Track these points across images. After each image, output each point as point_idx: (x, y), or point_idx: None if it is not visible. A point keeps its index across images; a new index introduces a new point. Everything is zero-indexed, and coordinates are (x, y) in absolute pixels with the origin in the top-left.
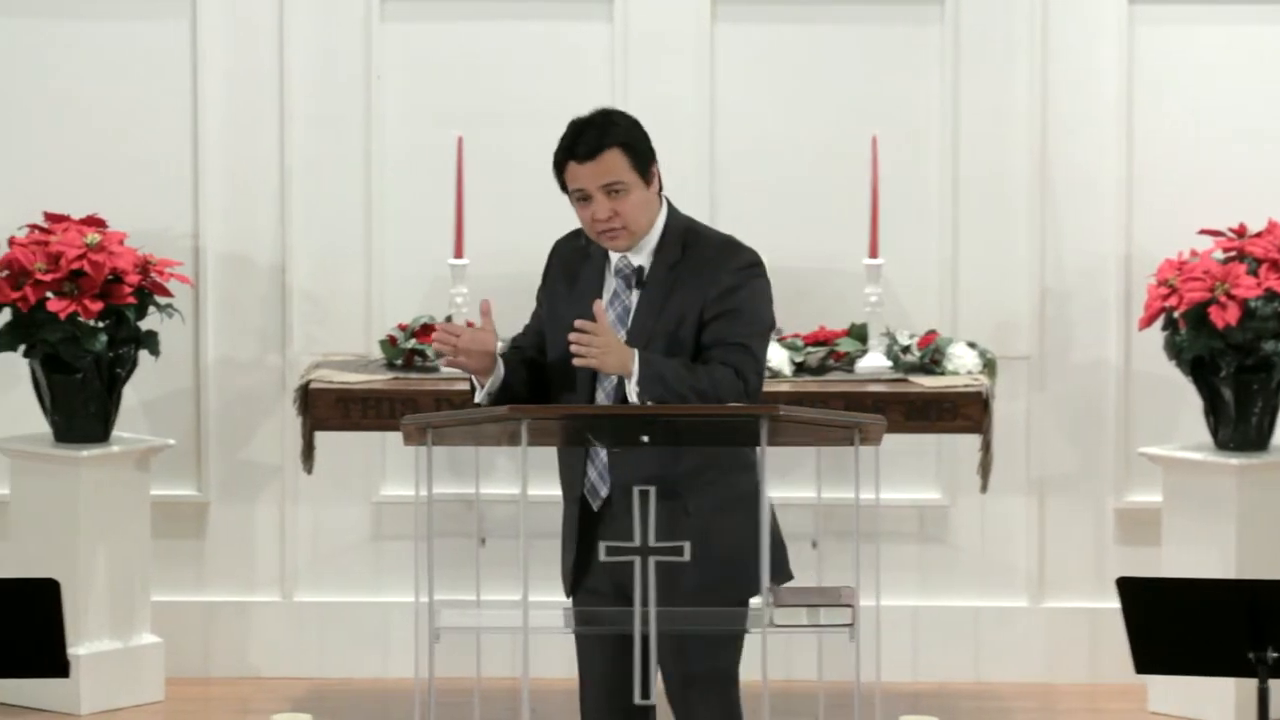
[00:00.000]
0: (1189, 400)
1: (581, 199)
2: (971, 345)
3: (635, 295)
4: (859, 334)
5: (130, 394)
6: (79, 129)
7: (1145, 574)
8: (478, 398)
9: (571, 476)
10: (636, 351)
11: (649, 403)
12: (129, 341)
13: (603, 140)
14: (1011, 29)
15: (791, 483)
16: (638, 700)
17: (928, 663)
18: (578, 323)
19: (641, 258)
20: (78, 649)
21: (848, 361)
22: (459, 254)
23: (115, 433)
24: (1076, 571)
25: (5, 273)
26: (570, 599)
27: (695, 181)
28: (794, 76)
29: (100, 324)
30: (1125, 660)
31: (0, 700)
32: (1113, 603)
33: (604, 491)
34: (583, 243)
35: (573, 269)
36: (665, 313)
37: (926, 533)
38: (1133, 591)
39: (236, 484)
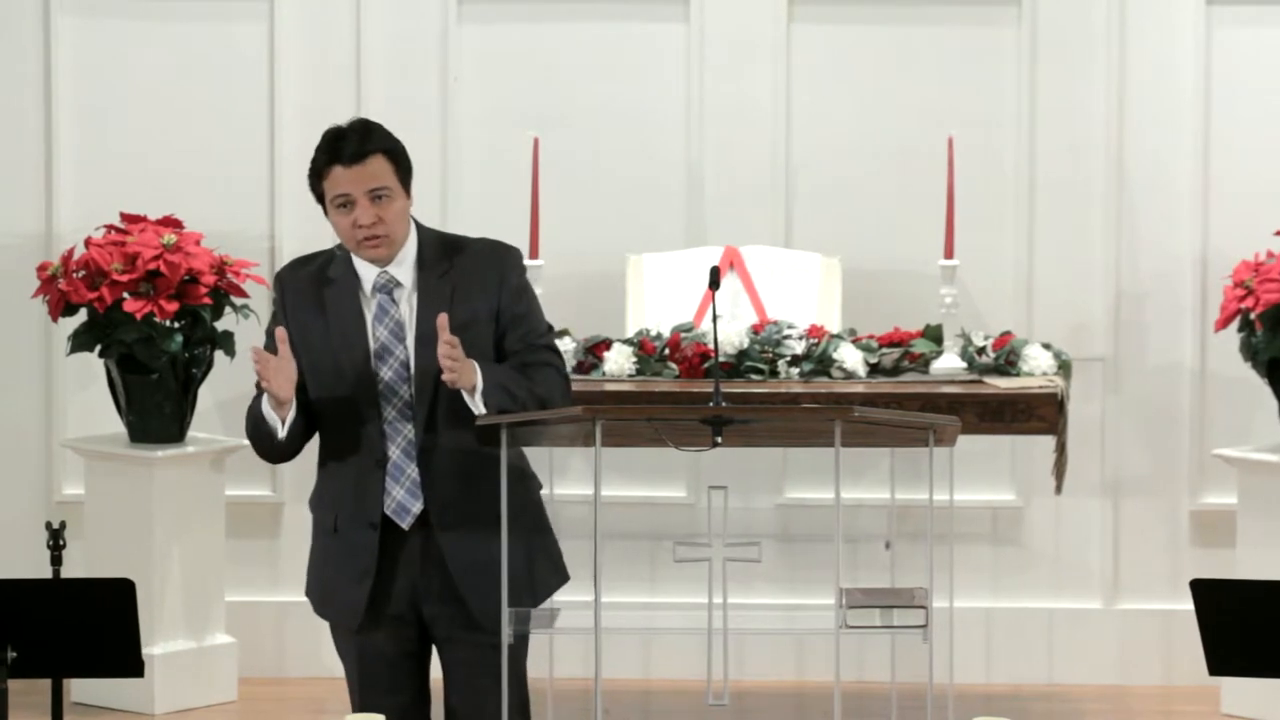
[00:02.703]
0: (1265, 402)
1: (342, 205)
2: (1046, 347)
3: (404, 309)
4: (934, 335)
5: (205, 394)
6: (156, 130)
7: (1219, 576)
8: (282, 433)
9: (363, 499)
10: (477, 363)
11: (491, 412)
12: (204, 342)
13: (367, 145)
14: (1088, 30)
15: (865, 484)
16: (710, 703)
17: (1001, 664)
18: (448, 338)
19: (402, 271)
20: (152, 649)
21: (922, 363)
22: (534, 255)
23: (190, 433)
24: (1150, 573)
25: (82, 273)
26: (357, 634)
27: (771, 182)
28: (870, 77)
29: (176, 324)
30: (1199, 662)
31: (76, 700)
32: (1187, 605)
33: (416, 508)
34: (315, 269)
35: (315, 296)
36: (459, 321)
37: (1000, 534)
38: (1206, 593)
39: (310, 484)
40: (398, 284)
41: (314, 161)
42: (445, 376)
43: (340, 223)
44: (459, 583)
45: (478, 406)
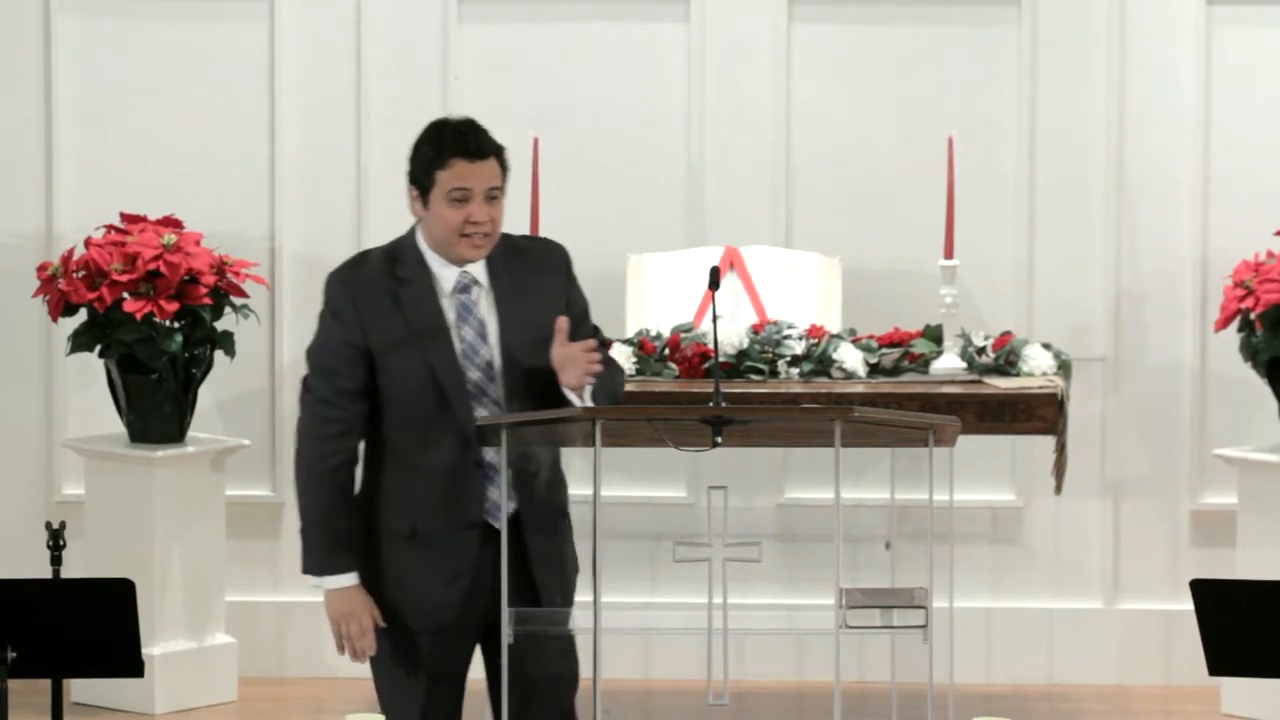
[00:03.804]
0: (1265, 402)
1: (459, 199)
2: (1046, 347)
3: (484, 308)
4: (934, 335)
5: (205, 394)
6: (156, 130)
7: (1219, 576)
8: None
9: (458, 501)
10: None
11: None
12: (204, 342)
13: (489, 144)
14: (1088, 29)
15: (865, 484)
16: (710, 703)
17: (1001, 664)
18: (590, 343)
19: (477, 270)
20: (152, 649)
21: (922, 363)
22: None
23: (190, 433)
24: (1150, 573)
25: (82, 273)
26: (429, 635)
27: (771, 182)
28: (870, 77)
29: (176, 324)
30: (1199, 662)
31: (76, 700)
32: (1187, 605)
33: (510, 508)
34: (378, 270)
35: (390, 298)
36: (528, 320)
37: (1000, 534)
38: (1206, 593)
39: None
40: (476, 283)
41: (433, 150)
42: (582, 380)
43: (450, 216)
44: (539, 581)
45: (585, 403)
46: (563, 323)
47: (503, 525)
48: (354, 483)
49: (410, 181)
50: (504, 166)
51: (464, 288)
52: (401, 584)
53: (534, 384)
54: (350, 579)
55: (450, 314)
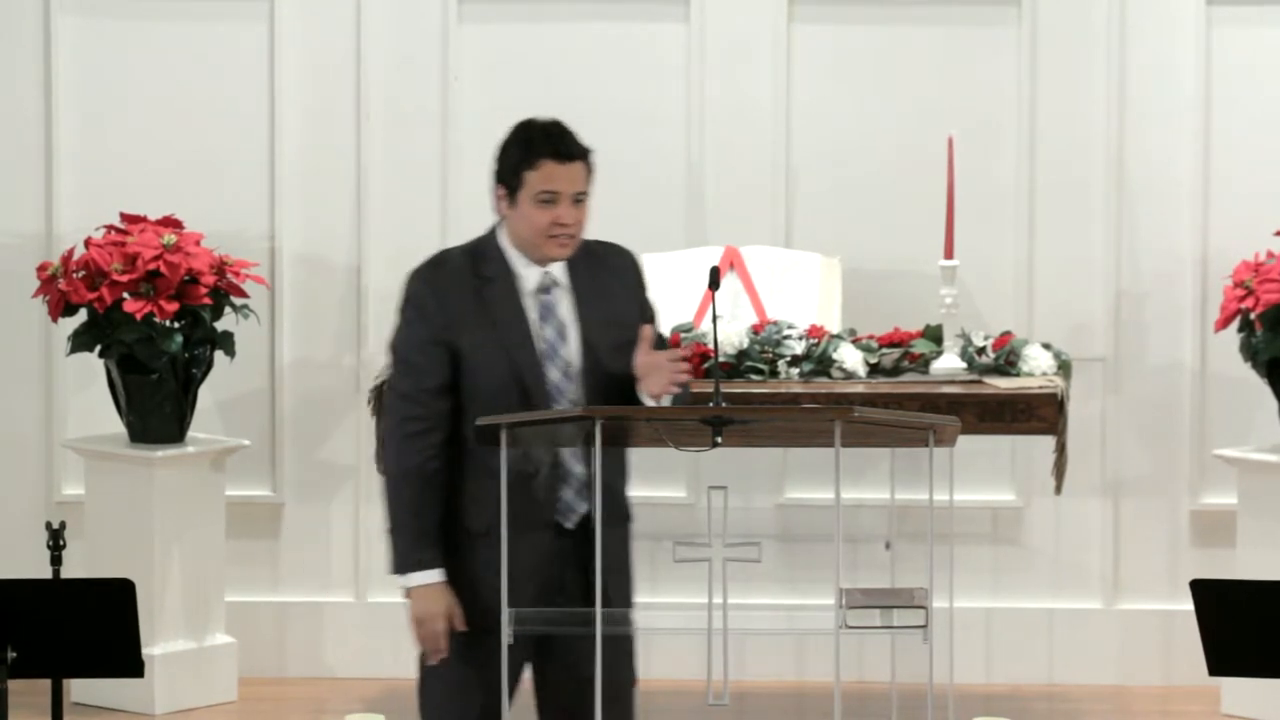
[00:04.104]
0: (1265, 402)
1: (547, 200)
2: (1046, 347)
3: (564, 309)
4: (934, 335)
5: (205, 395)
6: (156, 130)
7: (1219, 576)
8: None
9: (534, 500)
10: None
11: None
12: (204, 342)
13: (579, 148)
14: (1088, 29)
15: (865, 484)
16: (710, 703)
17: (1001, 664)
18: (677, 352)
19: (557, 271)
20: (152, 649)
21: (922, 363)
22: None
23: (190, 433)
24: (1150, 574)
25: (82, 273)
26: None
27: (771, 182)
28: (870, 77)
29: (176, 325)
30: (1199, 663)
31: (75, 700)
32: (1187, 605)
33: (582, 509)
34: (460, 267)
35: (474, 296)
36: (606, 322)
37: (1000, 534)
38: (1206, 594)
39: (311, 485)
40: (556, 283)
41: (522, 151)
42: (666, 389)
43: (537, 216)
44: (607, 582)
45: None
46: (648, 331)
47: (502, 525)
48: (440, 480)
49: (496, 180)
50: (590, 169)
51: (546, 288)
52: (476, 582)
53: (611, 386)
54: (433, 575)
55: (532, 314)
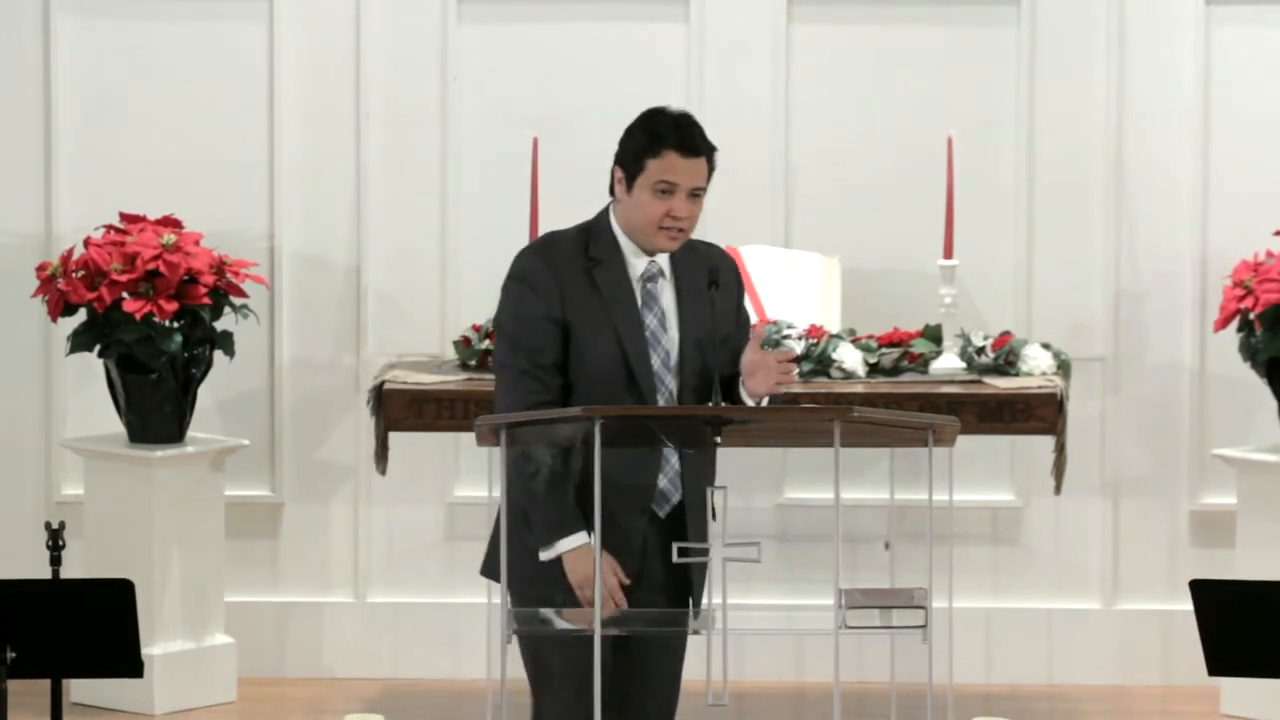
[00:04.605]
0: (1264, 402)
1: (665, 191)
2: (1046, 347)
3: (666, 299)
4: (933, 335)
5: (205, 394)
6: (156, 130)
7: (1219, 576)
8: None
9: (632, 485)
10: None
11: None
12: (204, 342)
13: (704, 143)
14: (1087, 29)
15: (865, 484)
16: (710, 703)
17: (1000, 664)
18: (787, 353)
19: (663, 262)
20: (151, 649)
21: (922, 363)
22: None
23: (190, 433)
24: (1150, 574)
25: (81, 273)
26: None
27: (770, 182)
28: (869, 77)
29: (175, 324)
30: (1198, 663)
31: (75, 700)
32: (1186, 605)
33: (676, 497)
34: (571, 250)
35: (586, 277)
36: (704, 317)
37: (999, 534)
38: (1205, 594)
39: (310, 484)
40: (661, 274)
41: (647, 138)
42: (771, 389)
43: (651, 205)
44: (694, 577)
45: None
46: (759, 329)
47: (502, 513)
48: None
49: (617, 163)
50: (712, 168)
51: (651, 277)
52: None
53: (703, 380)
54: (581, 538)
55: (638, 300)
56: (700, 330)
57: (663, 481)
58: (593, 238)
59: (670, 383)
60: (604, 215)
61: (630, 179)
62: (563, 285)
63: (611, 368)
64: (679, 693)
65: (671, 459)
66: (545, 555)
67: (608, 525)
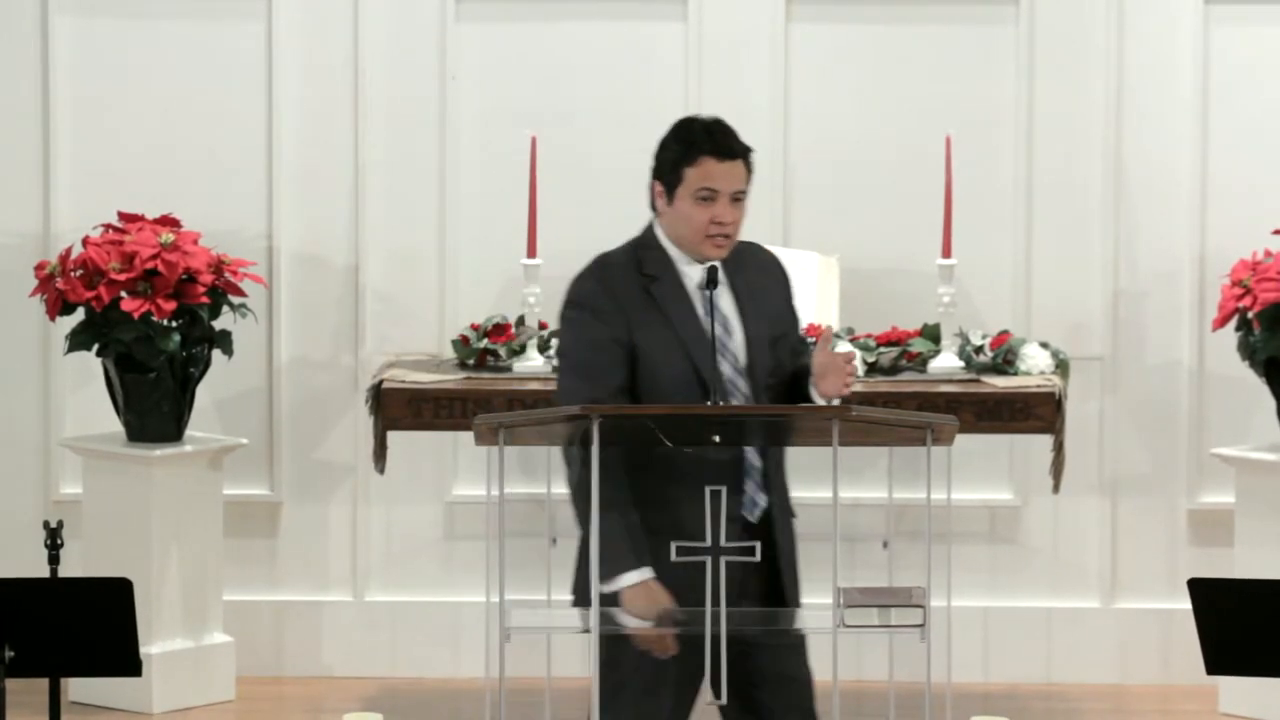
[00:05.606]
0: (1263, 401)
1: (706, 198)
2: (1044, 346)
3: (727, 305)
4: (932, 334)
5: (203, 394)
6: (154, 129)
7: (1217, 575)
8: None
9: (726, 500)
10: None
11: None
12: (202, 341)
13: (739, 146)
14: (1086, 29)
15: (863, 483)
16: (709, 702)
17: (999, 663)
18: (850, 354)
19: (716, 267)
20: (150, 648)
21: (920, 362)
22: (532, 254)
23: (188, 432)
24: (1148, 572)
25: (79, 272)
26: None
27: (769, 182)
28: (868, 77)
29: (174, 323)
30: (1197, 661)
31: (73, 699)
32: (1185, 604)
33: (763, 503)
34: (625, 269)
35: (644, 295)
36: (764, 318)
37: (998, 533)
38: (1204, 592)
39: (309, 484)
40: (717, 280)
41: (682, 148)
42: (839, 391)
43: (695, 214)
44: (784, 580)
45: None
46: (828, 331)
47: (499, 513)
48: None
49: (655, 177)
50: (750, 169)
51: (707, 284)
52: (664, 581)
53: (773, 380)
54: (647, 572)
55: (699, 309)
56: (765, 330)
57: (750, 487)
58: (644, 254)
59: (743, 386)
60: (650, 231)
61: (670, 190)
62: (624, 306)
63: (684, 381)
64: (813, 695)
65: (756, 462)
66: (606, 588)
67: (696, 538)
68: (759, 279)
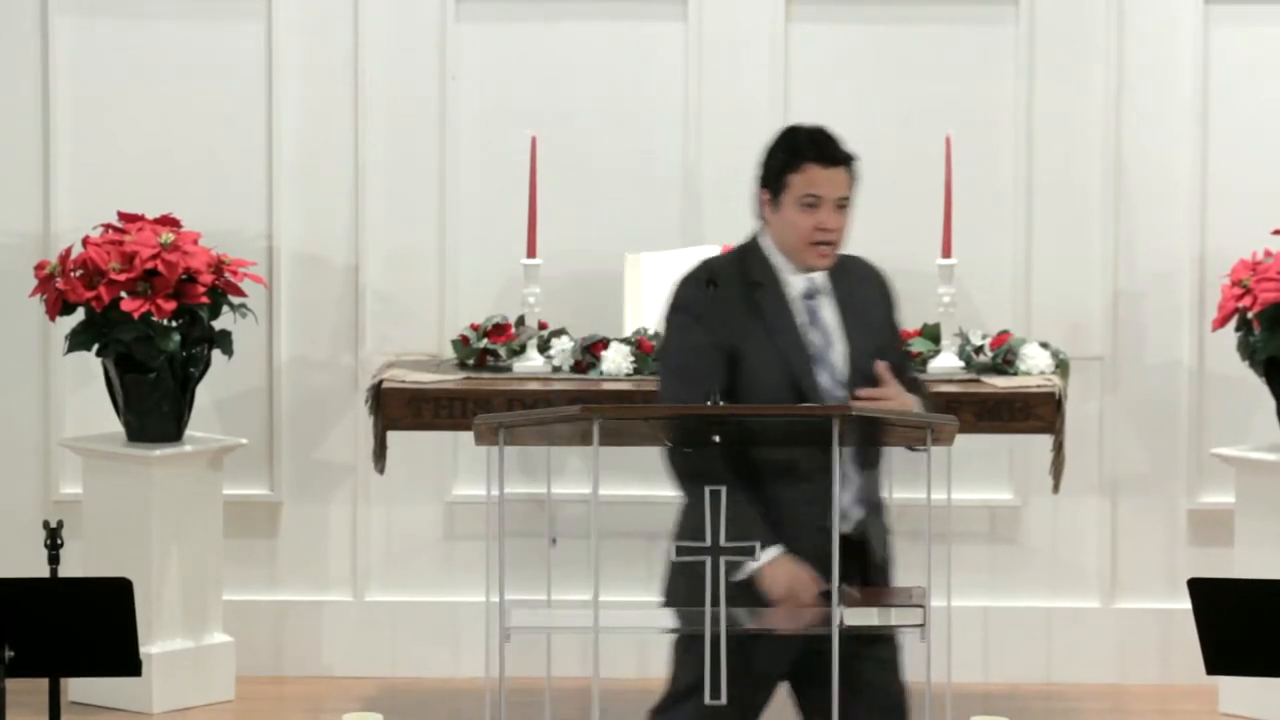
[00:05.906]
0: (1262, 401)
1: (810, 205)
2: (1044, 346)
3: (828, 315)
4: (932, 334)
5: (203, 393)
6: (154, 129)
7: (1217, 575)
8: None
9: (811, 504)
10: (914, 398)
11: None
12: (202, 341)
13: (843, 153)
14: (1086, 29)
15: None
16: (709, 701)
17: (999, 663)
18: (882, 385)
19: (820, 277)
20: (150, 648)
21: (920, 362)
22: (531, 254)
23: (188, 432)
24: (1148, 572)
25: (79, 272)
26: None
27: None
28: (868, 77)
29: (174, 323)
30: (1196, 661)
31: (73, 699)
32: (1184, 604)
33: (857, 515)
34: (729, 275)
35: (747, 302)
36: (866, 330)
37: (998, 533)
38: (1204, 592)
39: (309, 483)
40: (820, 290)
41: (786, 155)
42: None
43: (800, 221)
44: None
45: None
46: (880, 367)
47: (499, 513)
48: None
49: (760, 184)
50: (853, 177)
51: (811, 294)
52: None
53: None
54: (777, 549)
55: (800, 318)
56: (868, 343)
57: (845, 498)
58: (748, 262)
59: (842, 398)
60: (755, 240)
61: (775, 197)
62: (727, 312)
63: (781, 390)
64: (906, 707)
65: (851, 473)
66: (738, 575)
67: (790, 549)
68: (862, 290)
